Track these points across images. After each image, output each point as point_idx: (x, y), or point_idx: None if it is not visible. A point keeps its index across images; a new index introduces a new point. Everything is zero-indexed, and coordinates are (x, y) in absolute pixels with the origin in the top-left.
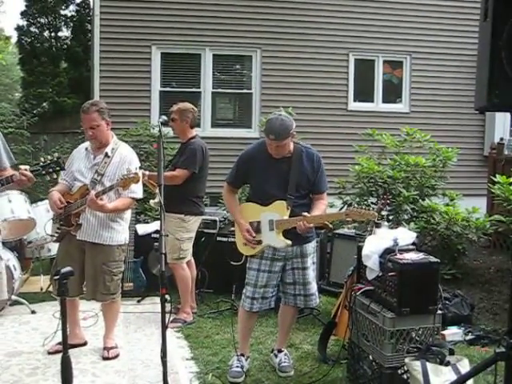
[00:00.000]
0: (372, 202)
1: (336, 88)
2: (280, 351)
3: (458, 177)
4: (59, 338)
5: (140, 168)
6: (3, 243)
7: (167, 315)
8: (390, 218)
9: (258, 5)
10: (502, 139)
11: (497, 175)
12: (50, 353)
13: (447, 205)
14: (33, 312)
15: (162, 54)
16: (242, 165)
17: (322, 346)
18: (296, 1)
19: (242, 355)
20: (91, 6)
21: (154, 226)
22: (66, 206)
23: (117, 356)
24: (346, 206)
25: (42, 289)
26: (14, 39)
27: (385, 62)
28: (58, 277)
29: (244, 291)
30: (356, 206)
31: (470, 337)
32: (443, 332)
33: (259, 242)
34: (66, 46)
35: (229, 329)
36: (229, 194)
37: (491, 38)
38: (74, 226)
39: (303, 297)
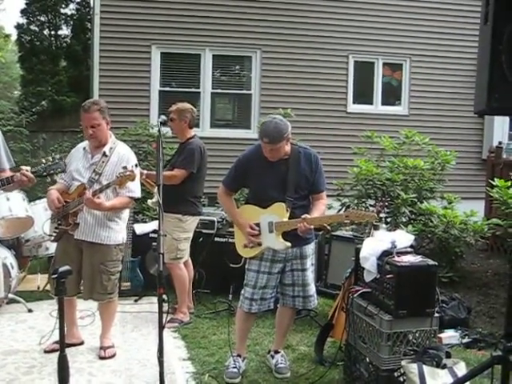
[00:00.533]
0: (370, 205)
1: (335, 90)
2: (277, 352)
3: (457, 180)
4: (56, 336)
5: (137, 166)
6: (0, 241)
7: (164, 315)
8: (388, 220)
9: (258, 6)
10: (500, 143)
11: (495, 179)
12: (46, 351)
13: (445, 208)
14: (29, 310)
15: (161, 53)
16: (240, 168)
17: (318, 348)
18: (296, 2)
19: (239, 356)
20: (91, 5)
21: (152, 225)
22: (63, 206)
23: (113, 355)
24: (344, 208)
25: (39, 287)
26: (14, 37)
27: (384, 64)
28: (55, 276)
29: (243, 292)
30: (355, 208)
31: (466, 340)
32: (440, 335)
33: (259, 244)
34: (65, 45)
35: (226, 329)
36: (225, 196)
37: (491, 41)
38: (72, 226)
39: (302, 298)
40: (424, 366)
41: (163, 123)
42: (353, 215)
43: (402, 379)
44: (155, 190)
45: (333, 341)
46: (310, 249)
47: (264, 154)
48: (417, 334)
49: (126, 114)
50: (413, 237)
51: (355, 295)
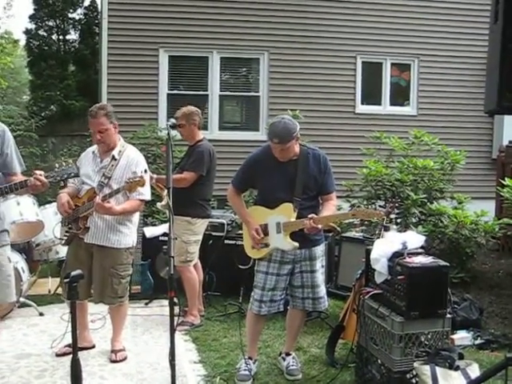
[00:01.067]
0: (380, 205)
1: (343, 91)
2: (288, 354)
3: (467, 180)
4: (67, 340)
5: (146, 172)
6: (11, 245)
7: (175, 318)
8: (398, 221)
9: (265, 8)
10: (510, 142)
11: (506, 178)
12: (58, 355)
13: (455, 208)
14: (41, 314)
15: (169, 56)
16: (249, 169)
17: (329, 350)
18: (304, 4)
19: (250, 358)
20: (99, 10)
21: (162, 228)
22: (73, 210)
23: (124, 359)
24: (353, 209)
25: (49, 291)
26: (23, 42)
27: (392, 64)
28: (68, 280)
29: (252, 294)
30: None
31: (479, 341)
32: (452, 336)
33: (266, 245)
34: (73, 49)
35: (236, 332)
36: (235, 196)
37: (501, 40)
38: (82, 230)
39: (311, 300)
40: (437, 368)
41: (172, 126)
42: (360, 213)
43: (414, 381)
44: (165, 192)
45: (344, 342)
46: (320, 250)
47: (272, 155)
48: (429, 336)
49: (135, 118)
50: (424, 238)
51: (366, 297)
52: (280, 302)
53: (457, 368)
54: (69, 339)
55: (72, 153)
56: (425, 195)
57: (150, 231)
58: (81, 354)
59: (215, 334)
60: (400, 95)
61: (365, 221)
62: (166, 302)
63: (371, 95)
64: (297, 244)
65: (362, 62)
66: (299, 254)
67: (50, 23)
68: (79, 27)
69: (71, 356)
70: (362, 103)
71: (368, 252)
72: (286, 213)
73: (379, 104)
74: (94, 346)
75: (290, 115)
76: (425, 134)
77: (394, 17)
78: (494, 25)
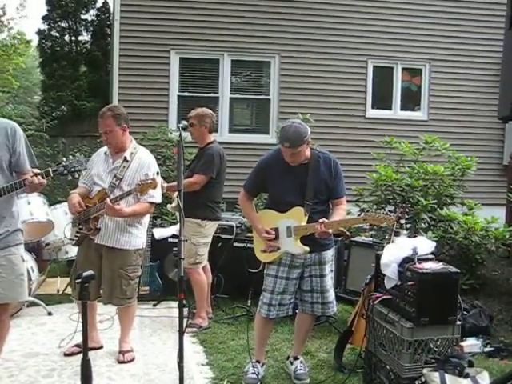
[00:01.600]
0: (389, 210)
1: (354, 95)
2: (296, 359)
3: (477, 186)
4: (75, 339)
5: (158, 174)
6: None
7: (184, 320)
8: (408, 226)
9: (276, 11)
10: None
11: None
12: (66, 354)
13: (466, 214)
14: (49, 314)
15: (180, 58)
16: (260, 173)
17: (338, 355)
18: (315, 7)
19: (258, 362)
20: (111, 11)
21: (171, 230)
22: (84, 210)
23: (132, 360)
24: (362, 214)
25: (58, 291)
26: (35, 43)
27: (403, 69)
28: (79, 280)
29: (261, 297)
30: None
31: (488, 349)
32: (461, 343)
33: (277, 249)
34: (85, 50)
35: (244, 335)
36: (246, 201)
37: None
38: (93, 231)
39: (321, 304)
40: (446, 375)
41: (184, 128)
42: (371, 218)
43: None
44: (175, 194)
45: (352, 347)
46: (329, 255)
47: (283, 159)
48: (438, 342)
49: (145, 119)
50: (434, 243)
51: (376, 302)
52: (289, 305)
53: (466, 376)
54: (77, 339)
55: (82, 153)
56: (435, 201)
57: (160, 233)
58: (89, 354)
59: (223, 336)
60: (411, 100)
61: (374, 225)
62: (173, 304)
63: (382, 100)
64: (307, 248)
65: (373, 67)
66: (309, 259)
67: (63, 24)
68: (91, 28)
69: (80, 356)
70: (373, 107)
71: (378, 257)
72: (296, 217)
73: (390, 108)
74: (101, 347)
75: (301, 119)
76: (436, 139)
77: (405, 21)
78: (508, 30)
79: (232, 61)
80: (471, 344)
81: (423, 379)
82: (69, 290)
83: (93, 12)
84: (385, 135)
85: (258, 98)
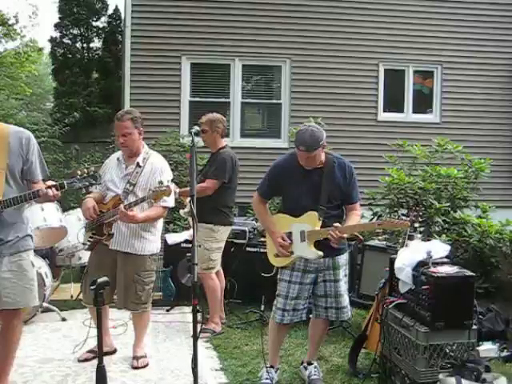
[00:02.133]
0: (403, 214)
1: (366, 98)
2: (310, 364)
3: (491, 188)
4: (89, 345)
5: (172, 181)
6: (35, 251)
7: (198, 325)
8: (421, 229)
9: (287, 15)
10: None
11: None
12: (80, 360)
13: (480, 217)
14: (63, 319)
15: (191, 64)
16: (274, 176)
17: (352, 360)
18: (326, 11)
19: (272, 367)
20: (122, 18)
21: (184, 235)
22: (98, 215)
23: (146, 365)
24: (375, 218)
25: (72, 296)
26: (47, 50)
27: (415, 72)
28: (94, 286)
29: (275, 303)
30: (387, 217)
31: (505, 353)
32: (477, 348)
33: (290, 253)
34: (97, 57)
35: (258, 340)
36: (259, 205)
37: None
38: (106, 236)
39: (335, 310)
40: (463, 380)
41: (196, 134)
42: (386, 224)
43: None
44: (188, 199)
45: (366, 352)
46: (343, 259)
47: (298, 163)
48: (454, 347)
49: (157, 125)
50: (449, 247)
51: (390, 306)
52: (303, 311)
53: (483, 381)
54: (91, 345)
55: (95, 159)
56: (448, 204)
57: (172, 238)
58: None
59: (236, 341)
60: (423, 103)
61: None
62: (187, 309)
63: (393, 102)
64: (321, 253)
65: (385, 70)
66: (322, 263)
67: (75, 31)
68: (103, 35)
69: (94, 362)
70: (385, 110)
71: (392, 261)
72: (310, 221)
73: (402, 111)
74: (115, 351)
75: (312, 123)
76: (448, 141)
77: (416, 24)
78: None
79: (243, 66)
80: (487, 349)
81: None
82: (82, 296)
83: (104, 19)
84: (397, 138)
85: (270, 102)
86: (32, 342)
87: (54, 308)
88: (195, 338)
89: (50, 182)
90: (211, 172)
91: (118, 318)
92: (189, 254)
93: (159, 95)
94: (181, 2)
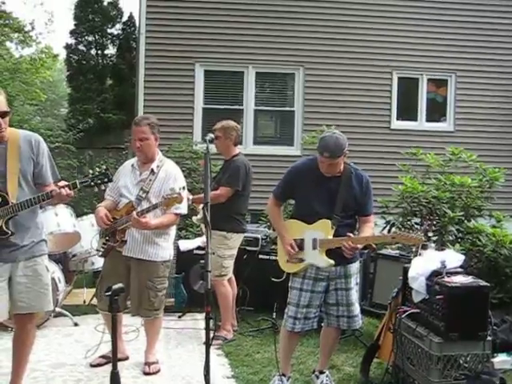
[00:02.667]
0: (416, 223)
1: (379, 106)
2: (322, 372)
3: (506, 198)
4: (101, 351)
5: (184, 189)
6: (48, 256)
7: (211, 333)
8: (434, 239)
9: (301, 23)
10: None
11: None
12: (92, 365)
13: (494, 226)
14: (75, 324)
15: (205, 71)
16: (291, 179)
17: (364, 369)
18: (339, 19)
19: (284, 375)
20: (137, 25)
21: (196, 242)
22: (111, 222)
23: (158, 371)
24: (388, 226)
25: (84, 302)
26: (61, 57)
27: (429, 80)
28: (109, 293)
29: (286, 311)
30: (400, 226)
31: None
32: (492, 359)
33: (301, 260)
34: (111, 64)
35: (269, 347)
36: (274, 208)
37: None
38: (119, 242)
39: (346, 318)
40: None
41: (211, 141)
42: (400, 237)
43: None
44: (200, 206)
45: (379, 362)
46: (355, 267)
47: (316, 169)
48: (468, 358)
49: (170, 131)
50: (463, 257)
51: (403, 316)
52: (314, 319)
53: None
54: (103, 350)
55: (108, 165)
56: (462, 213)
57: (184, 244)
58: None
59: (248, 349)
60: (436, 111)
61: None
62: (199, 316)
63: (407, 111)
64: (332, 261)
65: (398, 78)
66: (334, 271)
67: (90, 38)
68: (117, 42)
69: (106, 367)
70: (398, 119)
71: (405, 270)
72: (323, 229)
73: (415, 120)
74: (127, 358)
75: (325, 131)
76: (462, 150)
77: (431, 32)
78: None
79: (256, 73)
80: (502, 360)
81: None
82: (94, 301)
83: (119, 26)
84: (410, 147)
85: (283, 109)
86: (45, 346)
87: (67, 313)
88: (208, 344)
89: (62, 183)
90: (224, 179)
91: (129, 324)
92: (202, 261)
93: (173, 102)
94: (195, 10)
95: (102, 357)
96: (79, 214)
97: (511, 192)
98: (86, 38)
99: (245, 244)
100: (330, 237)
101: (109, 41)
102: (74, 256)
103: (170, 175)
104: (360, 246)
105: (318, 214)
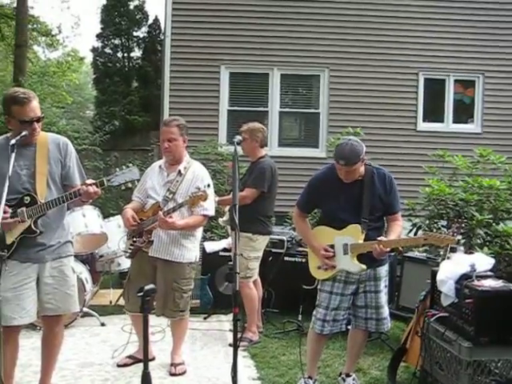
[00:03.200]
0: (442, 225)
1: (405, 108)
2: (348, 376)
3: None
4: (128, 351)
5: (209, 186)
6: (75, 256)
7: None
8: (462, 242)
9: (326, 25)
10: None
11: None
12: (119, 365)
13: None
14: (102, 324)
15: (230, 73)
16: (313, 191)
17: (391, 373)
18: (365, 20)
19: (310, 378)
20: (162, 28)
21: (222, 243)
22: (138, 223)
23: (184, 372)
24: (415, 229)
25: (111, 302)
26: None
27: (456, 81)
28: (141, 294)
29: (315, 313)
30: (426, 228)
31: None
32: None
33: (333, 267)
34: (137, 66)
35: (295, 350)
36: (300, 219)
37: None
38: (146, 243)
39: (375, 321)
40: None
41: (239, 143)
42: (431, 238)
43: None
44: (226, 208)
45: (406, 366)
46: (384, 270)
47: (337, 176)
48: (499, 364)
49: (195, 133)
50: (493, 260)
51: (431, 319)
52: (343, 321)
53: None
54: (129, 350)
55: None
56: (490, 216)
57: (210, 246)
58: (141, 366)
59: (274, 351)
60: (463, 112)
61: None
62: (224, 318)
63: (433, 112)
64: (364, 266)
65: (425, 79)
66: (364, 274)
67: (116, 41)
68: (143, 45)
69: (133, 367)
70: (424, 120)
71: (434, 273)
72: (353, 234)
73: (442, 121)
74: (153, 359)
75: (351, 132)
76: (491, 152)
77: (457, 32)
78: None
79: (281, 75)
80: None
81: None
82: (121, 302)
83: (144, 29)
84: (437, 148)
85: (308, 111)
86: (72, 345)
87: (94, 313)
88: (235, 346)
89: (89, 181)
90: (250, 181)
91: (155, 325)
92: (230, 263)
93: (198, 104)
94: (220, 12)
95: (129, 357)
96: (105, 216)
97: None
98: (113, 41)
99: (270, 246)
100: (361, 241)
101: (135, 43)
102: (101, 257)
103: (197, 177)
104: (389, 249)
105: (343, 221)
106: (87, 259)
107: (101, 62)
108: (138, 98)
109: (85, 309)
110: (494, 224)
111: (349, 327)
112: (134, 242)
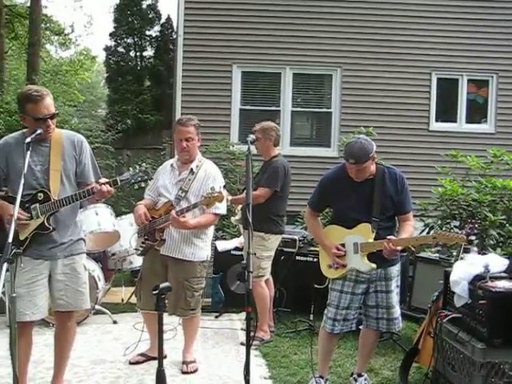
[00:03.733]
0: (455, 226)
1: (418, 108)
2: (360, 375)
3: None
4: (140, 348)
5: (225, 187)
6: (88, 254)
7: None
8: (475, 243)
9: (338, 24)
10: None
11: None
12: (131, 363)
13: None
14: (114, 322)
15: (242, 72)
16: (324, 190)
17: (403, 373)
18: (378, 19)
19: (321, 377)
20: (175, 27)
21: (234, 242)
22: (150, 221)
23: (195, 371)
24: (427, 229)
25: (122, 300)
26: (101, 59)
27: (469, 81)
28: (156, 292)
29: (325, 312)
30: (439, 229)
31: None
32: None
33: (343, 266)
34: (149, 65)
35: (306, 349)
36: (311, 218)
37: None
38: (158, 241)
39: (386, 321)
40: None
41: (252, 142)
42: (441, 237)
43: None
44: (239, 207)
45: (418, 366)
46: (395, 270)
47: (348, 175)
48: None
49: (207, 132)
50: (507, 261)
51: (444, 320)
52: (353, 320)
53: None
54: (141, 348)
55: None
56: (504, 216)
57: (222, 245)
58: (153, 364)
59: (285, 350)
60: (477, 112)
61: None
62: (235, 316)
63: (446, 112)
64: (374, 265)
65: (437, 79)
66: (375, 274)
67: (129, 40)
68: (155, 44)
69: (145, 365)
70: (437, 120)
71: (446, 274)
72: (364, 233)
73: (455, 121)
74: (165, 357)
75: (364, 132)
76: (505, 152)
77: (471, 31)
78: None
79: (294, 74)
80: None
81: None
82: (132, 300)
83: (157, 28)
84: (450, 148)
85: (320, 111)
86: (84, 343)
87: (106, 310)
88: (248, 344)
89: (103, 180)
90: (263, 180)
91: (167, 323)
92: (243, 262)
93: (210, 103)
94: (232, 12)
95: (141, 355)
96: (118, 214)
97: None
98: (125, 40)
99: (282, 245)
100: (371, 240)
101: (147, 42)
102: (113, 255)
103: (209, 175)
104: (399, 248)
105: (354, 220)
106: (99, 257)
107: (113, 60)
108: (150, 96)
109: (97, 306)
110: (507, 225)
111: (360, 327)
112: (146, 239)
